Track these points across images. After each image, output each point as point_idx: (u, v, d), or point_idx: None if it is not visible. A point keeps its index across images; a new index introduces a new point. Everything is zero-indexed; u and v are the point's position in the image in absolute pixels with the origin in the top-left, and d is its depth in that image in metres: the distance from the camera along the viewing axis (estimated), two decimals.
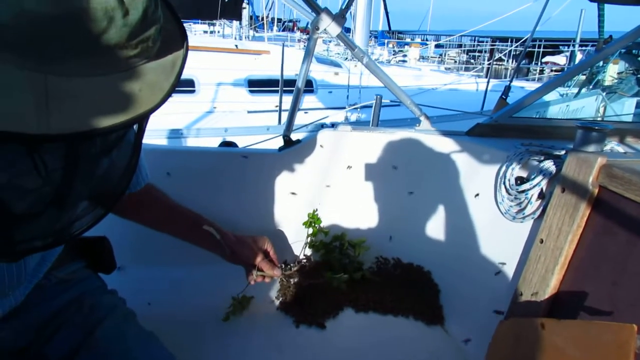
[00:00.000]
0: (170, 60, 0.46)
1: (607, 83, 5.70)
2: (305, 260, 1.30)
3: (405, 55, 11.82)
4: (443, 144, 1.30)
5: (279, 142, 1.35)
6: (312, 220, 1.31)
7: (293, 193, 1.34)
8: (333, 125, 1.39)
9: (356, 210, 1.38)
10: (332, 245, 1.33)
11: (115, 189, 0.52)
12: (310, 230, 1.31)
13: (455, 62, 20.82)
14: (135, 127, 0.51)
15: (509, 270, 1.04)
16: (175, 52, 0.47)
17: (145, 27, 0.40)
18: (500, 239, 1.10)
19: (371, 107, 3.48)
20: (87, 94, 0.39)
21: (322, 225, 1.33)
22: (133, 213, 0.95)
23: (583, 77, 5.39)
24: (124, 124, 0.41)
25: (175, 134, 4.04)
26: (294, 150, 1.31)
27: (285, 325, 1.14)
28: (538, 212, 0.97)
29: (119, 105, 0.41)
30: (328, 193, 1.37)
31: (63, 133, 0.38)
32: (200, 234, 0.98)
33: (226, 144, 1.52)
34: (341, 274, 1.19)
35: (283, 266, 1.13)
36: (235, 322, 1.12)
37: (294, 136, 1.35)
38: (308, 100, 6.22)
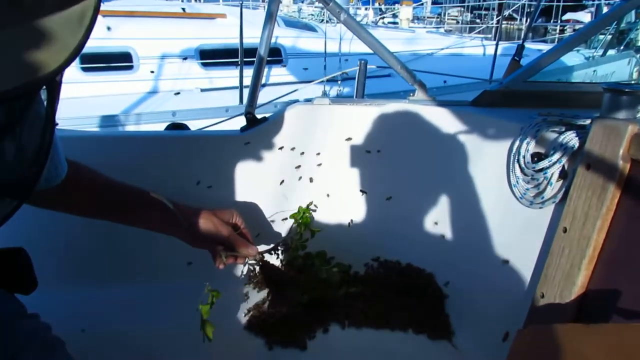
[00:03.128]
0: (78, 11, 0.45)
1: None
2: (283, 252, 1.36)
3: (395, 16, 11.88)
4: (443, 117, 1.32)
5: (241, 122, 1.35)
6: (300, 219, 1.37)
7: (260, 183, 1.36)
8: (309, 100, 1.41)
9: (338, 202, 1.40)
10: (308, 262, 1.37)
11: (26, 176, 0.51)
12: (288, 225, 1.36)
13: (458, 22, 21.02)
14: (44, 99, 0.49)
15: (527, 267, 1.06)
16: (84, 0, 0.46)
17: None
18: (515, 230, 1.12)
19: (354, 78, 3.49)
20: None
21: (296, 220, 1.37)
22: (63, 200, 0.96)
23: (611, 37, 5.51)
24: (19, 89, 0.40)
25: (108, 121, 3.99)
26: (259, 130, 1.31)
27: (254, 348, 1.15)
28: (560, 195, 0.99)
29: (12, 67, 0.40)
30: (303, 182, 1.39)
31: None
32: (148, 210, 1.01)
33: (174, 126, 1.51)
34: (333, 267, 1.24)
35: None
36: (192, 348, 1.11)
37: (260, 114, 1.35)
38: (276, 73, 6.20)
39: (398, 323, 1.21)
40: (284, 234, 1.39)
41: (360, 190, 1.40)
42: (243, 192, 1.36)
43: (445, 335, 1.18)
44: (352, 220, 1.42)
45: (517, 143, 1.09)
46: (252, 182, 1.36)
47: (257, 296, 1.31)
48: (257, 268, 1.34)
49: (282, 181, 1.38)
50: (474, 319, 1.17)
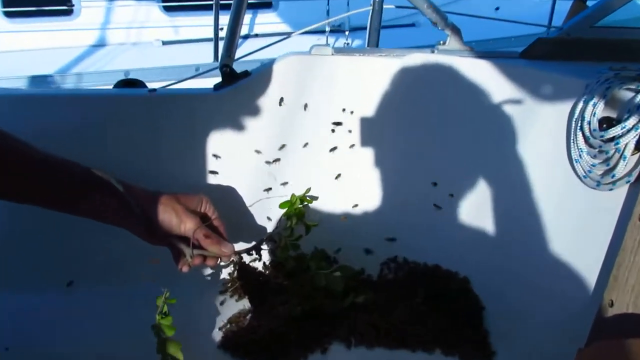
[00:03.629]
0: None
1: None
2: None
3: None
4: (482, 72, 1.31)
5: (215, 80, 1.34)
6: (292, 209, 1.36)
7: (238, 160, 1.35)
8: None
9: (341, 186, 1.40)
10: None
11: None
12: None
13: None
14: None
15: (591, 268, 1.05)
16: None
17: None
18: (577, 220, 1.11)
19: (365, 29, 3.45)
20: None
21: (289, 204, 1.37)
22: None
23: None
24: None
25: (39, 82, 3.95)
26: (238, 89, 1.30)
27: None
28: (635, 173, 0.98)
29: None
30: (295, 159, 1.38)
31: None
32: (90, 192, 1.00)
33: (126, 83, 1.49)
34: (335, 270, 1.26)
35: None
36: None
37: (239, 67, 1.34)
38: (263, 21, 6.14)
39: (421, 342, 1.21)
40: (270, 229, 1.39)
41: (373, 170, 1.40)
42: (216, 171, 1.36)
43: (483, 357, 1.19)
44: (361, 210, 1.42)
45: (580, 105, 1.08)
46: (228, 158, 1.35)
47: (234, 307, 1.32)
48: (235, 272, 1.34)
49: (269, 158, 1.37)
50: (521, 336, 1.17)
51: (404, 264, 1.39)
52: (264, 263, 1.36)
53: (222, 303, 1.33)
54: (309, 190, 1.38)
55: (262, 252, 1.29)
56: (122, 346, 1.14)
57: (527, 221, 1.20)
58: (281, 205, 1.36)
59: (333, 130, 1.39)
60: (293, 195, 1.36)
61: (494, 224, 1.30)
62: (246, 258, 1.31)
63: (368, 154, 1.41)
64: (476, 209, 1.33)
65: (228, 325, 1.26)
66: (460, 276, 1.33)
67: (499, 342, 1.21)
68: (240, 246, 1.25)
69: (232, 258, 1.18)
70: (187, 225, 1.06)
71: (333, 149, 1.40)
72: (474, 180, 1.33)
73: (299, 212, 1.37)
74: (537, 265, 1.17)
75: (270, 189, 1.39)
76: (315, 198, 1.40)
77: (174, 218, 1.06)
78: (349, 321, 1.25)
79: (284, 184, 1.39)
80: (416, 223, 1.39)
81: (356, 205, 1.44)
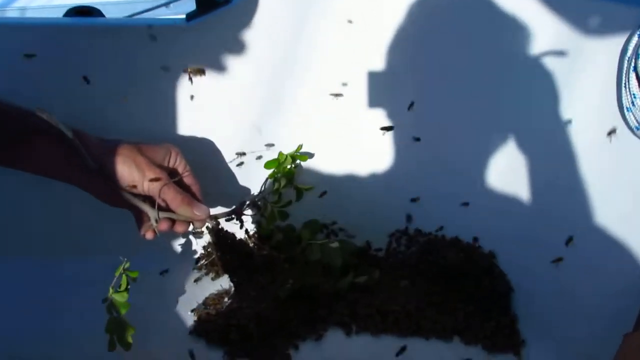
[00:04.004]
0: None
1: None
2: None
3: None
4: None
5: (190, 7, 1.32)
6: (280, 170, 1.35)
7: (216, 106, 1.34)
8: None
9: (340, 141, 1.39)
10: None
11: None
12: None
13: None
14: None
15: None
16: None
17: None
18: (627, 184, 1.12)
19: None
20: None
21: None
22: None
23: None
24: None
25: None
26: (217, 19, 1.29)
27: None
28: None
29: None
30: (288, 106, 1.37)
31: None
32: (33, 140, 1.00)
33: (79, 12, 1.47)
34: (333, 241, 1.29)
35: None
36: None
37: None
38: None
39: (437, 328, 1.22)
40: (254, 191, 1.39)
41: (381, 125, 1.38)
42: (189, 118, 1.34)
43: (511, 347, 1.20)
44: (365, 173, 1.41)
45: (635, 40, 1.08)
46: (202, 103, 1.33)
47: (210, 286, 1.34)
48: (210, 241, 1.34)
49: (254, 106, 1.36)
50: (556, 321, 1.18)
51: (416, 237, 1.41)
52: (247, 232, 1.35)
53: (195, 280, 1.35)
54: (300, 147, 1.36)
55: (243, 219, 1.28)
56: (69, 328, 1.17)
57: (566, 185, 1.20)
58: (267, 165, 1.34)
59: (334, 77, 1.35)
60: (281, 153, 1.35)
61: (527, 190, 1.30)
62: (225, 225, 1.28)
63: (375, 105, 1.38)
64: (503, 170, 1.32)
65: (202, 307, 1.27)
66: (484, 251, 1.34)
67: (530, 328, 1.22)
68: (217, 211, 1.25)
69: (206, 224, 1.16)
70: (150, 178, 1.06)
71: (336, 96, 1.36)
72: (501, 134, 1.32)
73: (288, 173, 1.35)
74: (577, 239, 1.17)
75: (255, 143, 1.38)
76: (311, 155, 1.39)
77: (136, 172, 1.05)
78: (350, 304, 1.26)
79: (269, 145, 1.38)
80: (432, 187, 1.38)
81: (359, 168, 1.42)
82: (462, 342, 1.22)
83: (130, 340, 1.01)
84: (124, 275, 1.02)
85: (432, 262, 1.35)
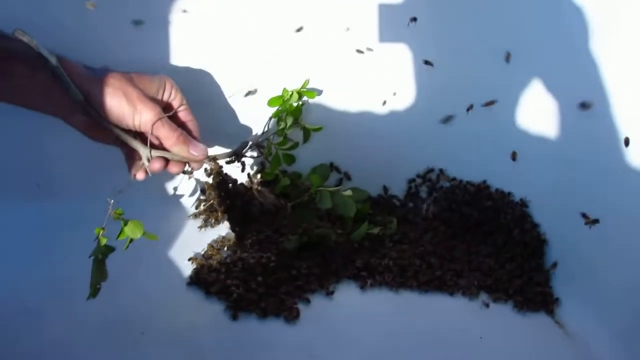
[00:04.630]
0: None
1: None
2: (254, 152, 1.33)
3: None
4: None
5: None
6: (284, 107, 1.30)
7: (215, 31, 1.28)
8: None
9: (358, 77, 1.34)
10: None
11: None
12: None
13: None
14: None
15: None
16: None
17: None
18: None
19: None
20: None
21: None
22: None
23: None
24: None
25: None
26: None
27: (207, 317, 1.12)
28: None
29: None
30: (297, 35, 1.31)
31: None
32: (10, 65, 0.94)
33: None
34: (346, 188, 1.26)
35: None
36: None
37: None
38: None
39: (462, 284, 1.21)
40: (256, 131, 1.35)
41: (398, 57, 1.33)
42: (184, 45, 1.28)
43: (544, 305, 1.19)
44: (381, 111, 1.36)
45: None
46: (201, 27, 1.28)
47: (209, 234, 1.32)
48: (210, 185, 1.31)
49: (258, 34, 1.30)
50: (594, 280, 1.17)
51: (439, 182, 1.37)
52: (249, 175, 1.32)
53: (193, 229, 1.32)
54: (307, 82, 1.32)
55: (244, 161, 1.26)
56: (53, 277, 1.12)
57: (602, 128, 1.17)
58: (270, 102, 1.30)
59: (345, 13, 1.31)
60: (285, 89, 1.30)
61: (558, 131, 1.27)
62: (225, 168, 1.25)
63: (392, 34, 1.33)
64: (537, 109, 1.28)
65: (201, 258, 1.24)
66: (514, 201, 1.32)
67: (565, 286, 1.21)
68: (216, 151, 1.22)
69: (204, 165, 1.13)
70: (143, 116, 1.00)
71: (348, 29, 1.32)
72: (533, 68, 1.28)
73: (294, 111, 1.31)
74: (624, 187, 1.12)
75: (259, 78, 1.33)
76: (319, 92, 1.35)
77: (125, 105, 0.99)
78: (364, 258, 1.25)
79: (274, 71, 1.32)
80: (457, 127, 1.35)
81: (374, 105, 1.37)
82: (490, 299, 1.21)
83: (104, 277, 0.96)
84: (122, 222, 0.97)
85: (456, 211, 1.35)
